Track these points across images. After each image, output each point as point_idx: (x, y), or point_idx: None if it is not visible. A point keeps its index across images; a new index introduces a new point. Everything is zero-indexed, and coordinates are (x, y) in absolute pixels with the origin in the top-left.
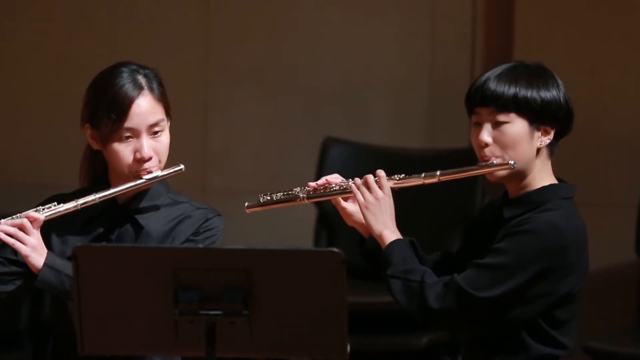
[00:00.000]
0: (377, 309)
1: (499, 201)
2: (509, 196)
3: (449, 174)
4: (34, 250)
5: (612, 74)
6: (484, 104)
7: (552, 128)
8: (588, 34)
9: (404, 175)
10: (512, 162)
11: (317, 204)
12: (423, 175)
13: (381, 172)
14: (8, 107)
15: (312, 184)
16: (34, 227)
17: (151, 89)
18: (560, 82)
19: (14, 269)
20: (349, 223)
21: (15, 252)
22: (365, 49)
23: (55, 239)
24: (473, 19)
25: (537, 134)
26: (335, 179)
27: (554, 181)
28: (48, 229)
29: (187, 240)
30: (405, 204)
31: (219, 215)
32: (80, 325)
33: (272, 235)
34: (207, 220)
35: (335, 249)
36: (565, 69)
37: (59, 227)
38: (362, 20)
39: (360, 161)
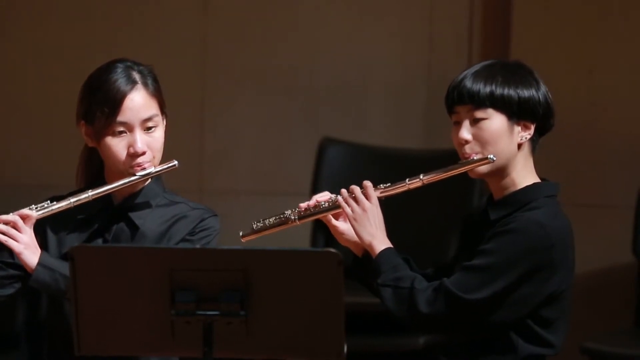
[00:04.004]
0: (374, 310)
1: (484, 204)
2: (494, 197)
3: (432, 175)
4: (27, 248)
5: (610, 75)
6: (461, 101)
7: (532, 123)
8: (585, 36)
9: (389, 183)
10: (491, 156)
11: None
12: (407, 180)
13: (367, 183)
14: (6, 108)
15: (303, 204)
16: (26, 225)
17: (145, 84)
18: (539, 79)
19: (12, 272)
20: (342, 242)
21: (13, 255)
22: (363, 50)
23: (51, 240)
24: (470, 20)
25: (517, 128)
26: (323, 196)
27: (537, 180)
28: (44, 229)
29: (183, 240)
30: (403, 208)
31: (215, 215)
32: (76, 326)
33: (269, 236)
34: (202, 220)
35: (332, 250)
36: (562, 71)
37: (55, 227)
38: (360, 22)
39: (357, 162)
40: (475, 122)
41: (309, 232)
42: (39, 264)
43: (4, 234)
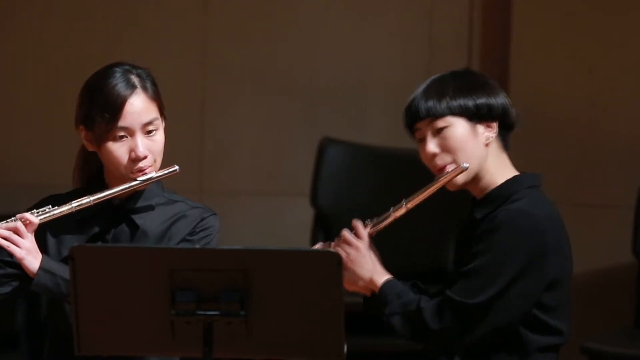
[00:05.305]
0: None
1: (470, 207)
2: (477, 198)
3: (414, 198)
4: (29, 253)
5: (609, 74)
6: (419, 118)
7: (493, 121)
8: (585, 35)
9: (375, 218)
10: (464, 165)
11: (315, 204)
12: (392, 209)
13: (356, 222)
14: (6, 108)
15: None
16: (28, 231)
17: (144, 88)
18: (491, 81)
19: (10, 270)
20: (350, 289)
21: (10, 254)
22: (363, 50)
23: (50, 240)
24: (470, 20)
25: (480, 128)
26: (319, 246)
27: (516, 173)
28: (43, 230)
29: (183, 240)
30: (400, 217)
31: (215, 214)
32: (76, 326)
33: (269, 236)
34: (202, 219)
35: (332, 250)
36: (562, 70)
37: (55, 228)
38: (360, 22)
39: (357, 162)
40: (437, 132)
41: (309, 232)
42: (40, 268)
43: (6, 239)
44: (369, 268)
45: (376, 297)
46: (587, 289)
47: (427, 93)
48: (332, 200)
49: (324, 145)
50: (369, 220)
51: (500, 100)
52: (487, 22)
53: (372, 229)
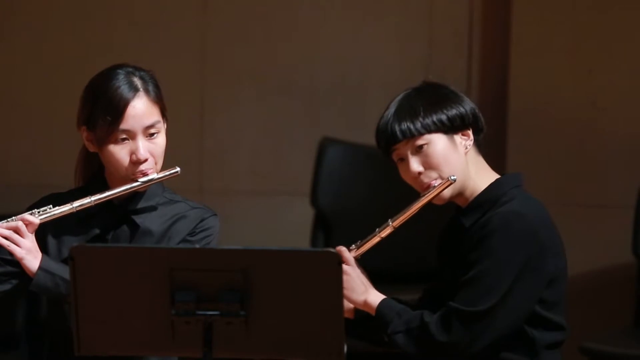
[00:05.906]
0: None
1: (454, 215)
2: (462, 206)
3: (401, 217)
4: (29, 253)
5: (609, 75)
6: (396, 141)
7: (468, 129)
8: (585, 35)
9: (359, 241)
10: (452, 177)
11: (315, 204)
12: (377, 230)
13: (341, 248)
14: (6, 108)
15: None
16: (29, 231)
17: (147, 91)
18: (455, 90)
19: (9, 269)
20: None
21: (10, 253)
22: (362, 50)
23: (51, 240)
24: (470, 20)
25: (458, 139)
26: None
27: (496, 175)
28: (44, 230)
29: (183, 240)
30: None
31: (215, 214)
32: (76, 326)
33: (269, 236)
34: (202, 220)
35: (332, 250)
36: (562, 70)
37: (55, 228)
38: (360, 21)
39: (357, 162)
40: (418, 150)
41: (309, 232)
42: (39, 268)
43: (6, 238)
44: (362, 291)
45: (374, 318)
46: (587, 289)
47: (399, 115)
48: (332, 200)
49: (324, 145)
50: (353, 245)
51: (468, 106)
52: (487, 22)
53: (358, 252)
